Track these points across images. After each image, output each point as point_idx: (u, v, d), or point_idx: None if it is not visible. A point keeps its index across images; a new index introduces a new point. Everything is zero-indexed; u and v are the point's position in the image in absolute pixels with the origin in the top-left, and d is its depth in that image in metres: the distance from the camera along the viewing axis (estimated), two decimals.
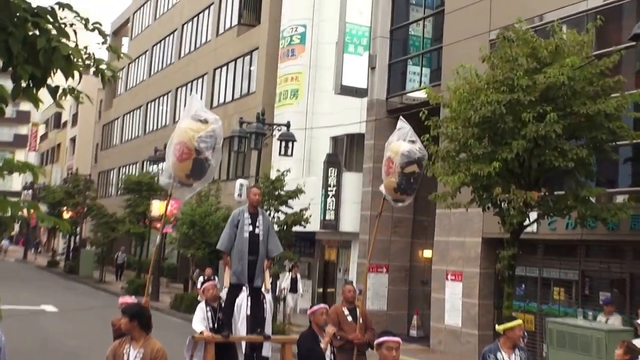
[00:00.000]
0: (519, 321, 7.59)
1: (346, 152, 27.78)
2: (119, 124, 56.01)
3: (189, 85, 42.45)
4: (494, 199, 13.04)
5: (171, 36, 46.37)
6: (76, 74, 4.00)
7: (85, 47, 4.02)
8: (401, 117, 10.18)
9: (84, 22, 4.08)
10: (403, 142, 9.92)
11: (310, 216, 22.26)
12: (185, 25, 44.23)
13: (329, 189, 25.42)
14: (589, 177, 12.72)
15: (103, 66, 4.13)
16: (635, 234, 14.24)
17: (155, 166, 33.85)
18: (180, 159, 8.63)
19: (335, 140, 28.31)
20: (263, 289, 10.32)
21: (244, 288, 10.06)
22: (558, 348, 12.37)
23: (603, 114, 11.71)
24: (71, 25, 3.93)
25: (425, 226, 25.01)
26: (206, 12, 41.02)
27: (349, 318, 10.27)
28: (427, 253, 24.84)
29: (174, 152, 8.69)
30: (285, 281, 23.77)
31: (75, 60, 3.92)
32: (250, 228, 9.99)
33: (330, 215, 25.40)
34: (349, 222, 25.40)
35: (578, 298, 16.31)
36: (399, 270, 24.41)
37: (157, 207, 33.28)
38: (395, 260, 24.29)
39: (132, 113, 53.01)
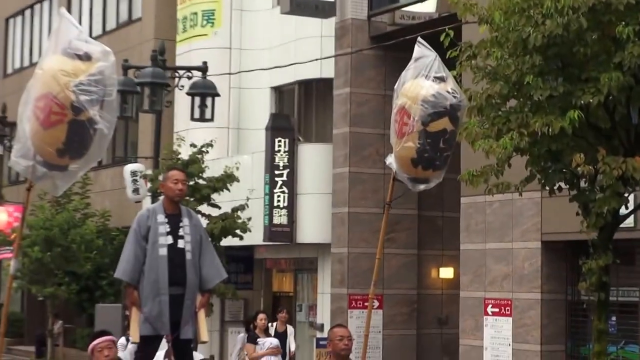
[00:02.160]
0: None
1: (300, 110, 27.65)
2: None
3: (29, 11, 41.88)
4: (568, 174, 12.86)
5: None
6: None
7: None
8: (420, 39, 9.95)
9: None
10: (425, 80, 9.76)
11: (249, 219, 22.03)
12: None
13: (277, 172, 25.29)
14: None
15: None
16: None
17: None
18: (45, 123, 8.47)
19: (281, 92, 28.29)
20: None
21: (163, 343, 9.91)
22: None
23: None
24: None
25: (439, 227, 25.05)
26: None
27: None
28: (447, 272, 24.85)
29: (35, 112, 8.54)
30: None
31: None
32: (170, 240, 9.91)
33: (280, 218, 25.30)
34: (313, 227, 25.39)
35: None
36: (399, 302, 24.40)
37: None
38: (392, 287, 24.26)
39: None
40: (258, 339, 18.20)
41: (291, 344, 20.32)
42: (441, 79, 9.85)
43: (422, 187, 10.26)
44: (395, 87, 9.96)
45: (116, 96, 8.87)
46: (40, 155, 8.58)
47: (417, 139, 9.68)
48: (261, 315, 18.51)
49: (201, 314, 10.12)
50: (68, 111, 8.38)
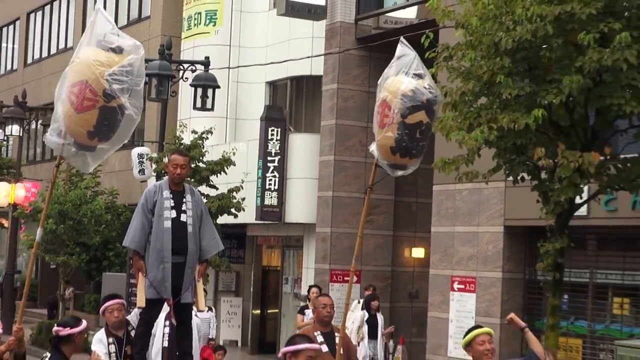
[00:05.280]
0: (481, 330, 8.27)
1: (292, 103, 27.64)
2: None
3: (48, 7, 41.69)
4: (531, 166, 12.90)
5: None
6: None
7: None
8: (402, 39, 9.93)
9: None
10: (405, 76, 9.74)
11: (243, 200, 22.00)
12: None
13: (269, 159, 25.23)
14: None
15: None
16: None
17: None
18: (80, 107, 8.46)
19: (275, 86, 28.20)
20: (200, 313, 10.08)
21: (165, 306, 9.89)
22: None
23: None
24: None
25: (413, 212, 25.06)
26: None
27: (324, 348, 10.17)
28: (418, 251, 24.87)
29: (69, 97, 8.51)
30: (354, 316, 19.69)
31: None
32: (174, 214, 9.92)
33: (271, 199, 25.25)
34: (300, 208, 25.34)
35: None
36: (375, 278, 24.43)
37: (3, 193, 32.59)
38: (369, 264, 24.29)
39: None
40: (305, 310, 17.96)
41: (380, 324, 19.66)
42: (419, 76, 9.81)
43: (400, 173, 10.26)
44: (379, 82, 9.93)
45: (143, 85, 8.92)
46: (72, 135, 8.58)
47: (396, 130, 9.66)
48: (313, 290, 18.06)
49: (200, 286, 10.11)
50: (100, 98, 8.40)
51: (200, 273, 10.13)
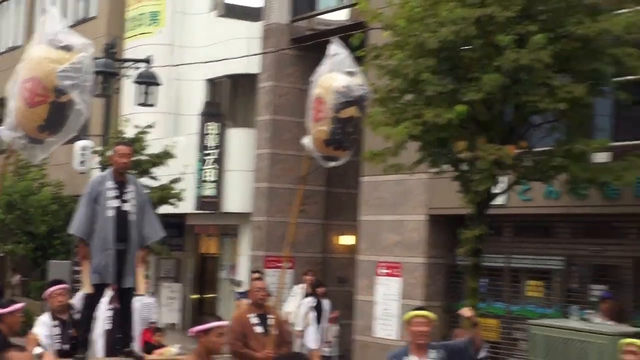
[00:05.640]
0: (420, 312, 8.58)
1: (230, 100, 27.49)
2: None
3: None
4: (453, 158, 12.96)
5: None
6: None
7: None
8: (335, 39, 9.92)
9: None
10: (338, 74, 9.72)
11: (183, 191, 21.83)
12: None
13: (207, 151, 25.04)
14: (586, 125, 12.76)
15: None
16: None
17: None
18: (31, 103, 8.41)
19: (214, 84, 28.04)
20: (141, 297, 10.01)
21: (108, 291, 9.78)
22: None
23: (607, 37, 11.66)
24: None
25: (343, 202, 25.02)
26: None
27: (258, 329, 10.18)
28: (347, 239, 24.87)
29: (22, 93, 8.46)
30: (296, 300, 19.24)
31: None
32: (117, 203, 9.81)
33: (209, 190, 25.06)
34: (237, 199, 25.21)
35: (562, 294, 16.56)
36: (307, 263, 24.31)
37: None
38: (302, 251, 24.18)
39: None
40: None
41: (324, 307, 18.59)
42: (351, 74, 9.82)
43: (332, 164, 10.31)
44: (312, 79, 9.91)
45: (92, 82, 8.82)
46: (23, 129, 8.54)
47: (330, 124, 9.67)
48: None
49: (140, 271, 10.02)
50: (51, 93, 8.35)
51: (142, 258, 10.02)
